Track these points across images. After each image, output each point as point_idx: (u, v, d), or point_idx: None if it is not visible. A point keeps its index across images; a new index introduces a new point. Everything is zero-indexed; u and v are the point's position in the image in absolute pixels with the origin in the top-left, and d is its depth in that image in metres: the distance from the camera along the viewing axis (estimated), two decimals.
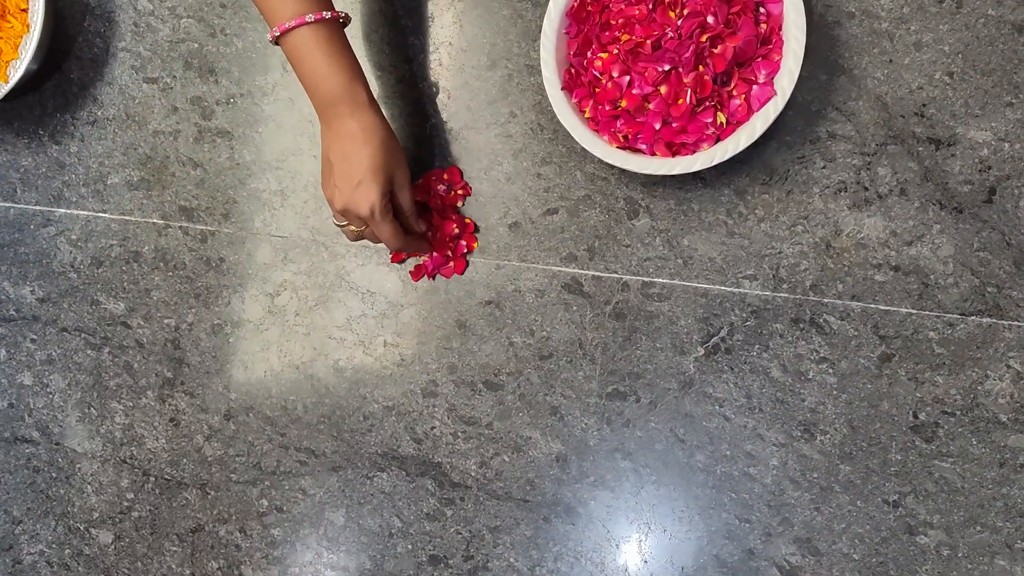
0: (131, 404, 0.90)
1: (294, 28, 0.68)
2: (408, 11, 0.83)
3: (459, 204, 0.81)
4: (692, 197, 0.77)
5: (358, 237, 0.75)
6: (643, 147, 0.72)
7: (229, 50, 0.86)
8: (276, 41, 0.70)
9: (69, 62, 0.90)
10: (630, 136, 0.72)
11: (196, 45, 0.87)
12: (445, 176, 0.82)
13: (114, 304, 0.90)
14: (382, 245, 0.83)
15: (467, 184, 0.81)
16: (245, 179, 0.87)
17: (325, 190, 0.73)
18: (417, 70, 0.82)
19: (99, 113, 0.90)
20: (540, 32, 0.80)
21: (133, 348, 0.89)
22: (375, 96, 0.82)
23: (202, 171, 0.87)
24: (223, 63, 0.87)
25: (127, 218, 0.89)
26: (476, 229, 0.81)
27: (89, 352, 0.90)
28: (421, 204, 0.82)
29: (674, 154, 0.72)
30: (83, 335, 0.90)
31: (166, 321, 0.89)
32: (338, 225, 0.75)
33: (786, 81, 0.69)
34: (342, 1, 0.84)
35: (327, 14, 0.69)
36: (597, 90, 0.73)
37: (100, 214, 0.90)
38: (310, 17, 0.68)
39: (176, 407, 0.88)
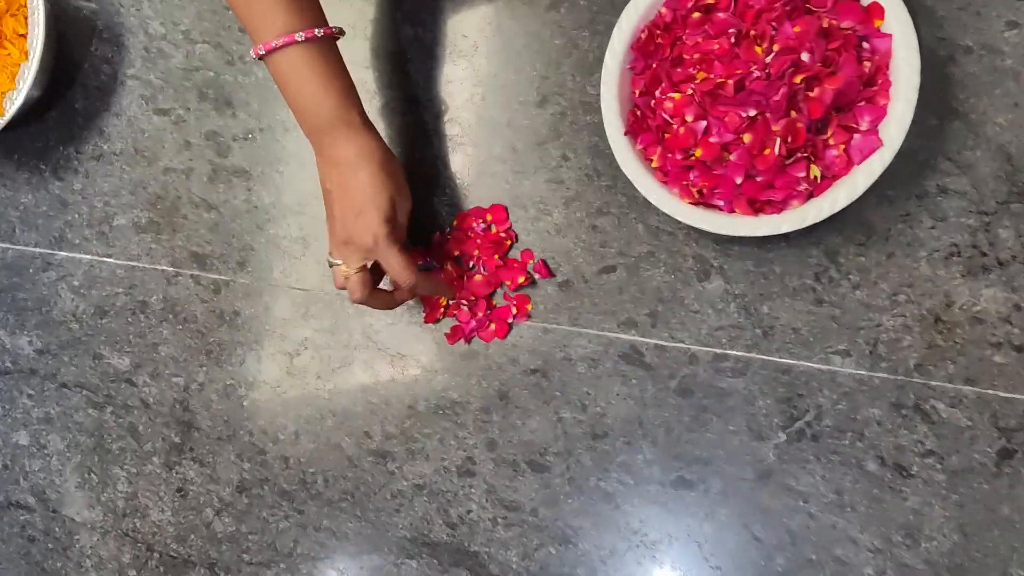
0: (135, 470, 0.82)
1: (282, 47, 0.60)
2: (445, 38, 0.74)
3: (509, 243, 0.72)
4: (774, 257, 0.67)
5: (343, 285, 0.67)
6: (720, 203, 0.63)
7: (248, 80, 0.79)
8: (261, 58, 0.62)
9: (74, 90, 0.83)
10: (705, 190, 0.63)
11: (212, 74, 0.80)
12: (488, 216, 0.73)
13: (119, 359, 0.82)
14: (379, 312, 0.75)
15: (511, 230, 0.73)
16: (264, 224, 0.79)
17: (327, 221, 0.66)
18: (455, 105, 0.74)
19: (105, 147, 0.82)
20: (598, 65, 0.71)
21: (138, 408, 0.82)
22: (388, 120, 0.74)
23: (216, 214, 0.80)
24: (241, 94, 0.79)
25: (134, 264, 0.82)
26: (532, 282, 0.72)
27: (91, 411, 0.83)
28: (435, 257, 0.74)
29: (757, 212, 0.63)
30: (84, 392, 0.83)
31: (174, 379, 0.81)
32: (332, 264, 0.67)
33: (894, 129, 0.59)
34: (366, 27, 0.76)
35: (319, 31, 0.61)
36: (667, 136, 0.63)
37: (105, 259, 0.82)
38: (300, 36, 0.60)
39: (184, 476, 0.81)
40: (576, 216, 0.71)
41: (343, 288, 0.67)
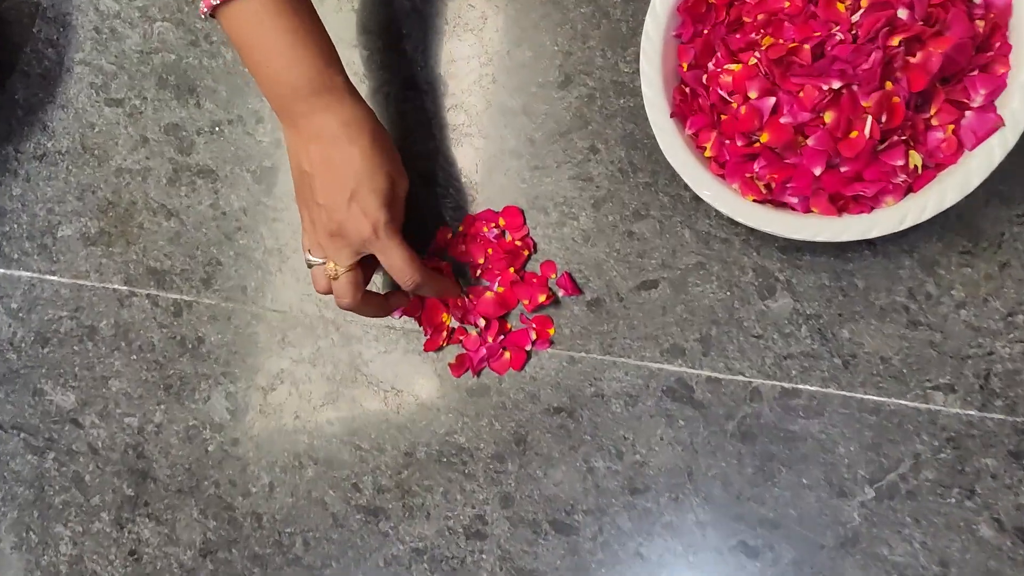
0: (81, 529, 0.69)
1: None
2: (448, 9, 0.62)
3: (526, 254, 0.60)
4: (855, 269, 0.55)
5: (328, 288, 0.56)
6: (794, 201, 0.51)
7: (215, 64, 0.67)
8: (211, 14, 0.51)
9: (13, 79, 0.71)
10: (775, 185, 0.50)
11: (173, 57, 0.68)
12: (500, 220, 0.61)
13: (62, 395, 0.70)
14: (373, 320, 0.63)
15: (529, 238, 0.60)
16: (233, 234, 0.66)
17: (303, 211, 0.55)
18: (460, 89, 0.62)
19: (49, 145, 0.70)
20: (634, 37, 0.59)
21: (85, 454, 0.69)
22: (380, 108, 0.62)
23: (178, 222, 0.68)
24: (207, 80, 0.67)
25: (81, 282, 0.69)
26: (555, 301, 0.60)
27: (29, 457, 0.71)
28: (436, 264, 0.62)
29: (841, 211, 0.50)
30: (22, 435, 0.71)
31: (127, 420, 0.69)
32: (311, 264, 0.55)
33: (1018, 104, 0.47)
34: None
35: None
36: (723, 118, 0.51)
37: (47, 276, 0.70)
38: None
39: (138, 536, 0.68)
40: (608, 220, 0.59)
41: (327, 292, 0.55)
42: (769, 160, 0.50)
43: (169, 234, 0.68)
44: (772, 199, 0.51)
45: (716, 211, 0.56)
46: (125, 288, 0.69)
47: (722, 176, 0.52)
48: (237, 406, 0.67)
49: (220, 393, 0.67)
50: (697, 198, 0.57)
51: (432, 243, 0.62)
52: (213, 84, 0.67)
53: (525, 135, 0.61)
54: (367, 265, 0.56)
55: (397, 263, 0.53)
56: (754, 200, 0.51)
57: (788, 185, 0.50)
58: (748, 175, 0.51)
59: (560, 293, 0.60)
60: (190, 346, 0.68)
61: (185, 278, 0.68)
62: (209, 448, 0.67)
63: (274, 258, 0.66)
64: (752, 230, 0.56)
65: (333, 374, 0.65)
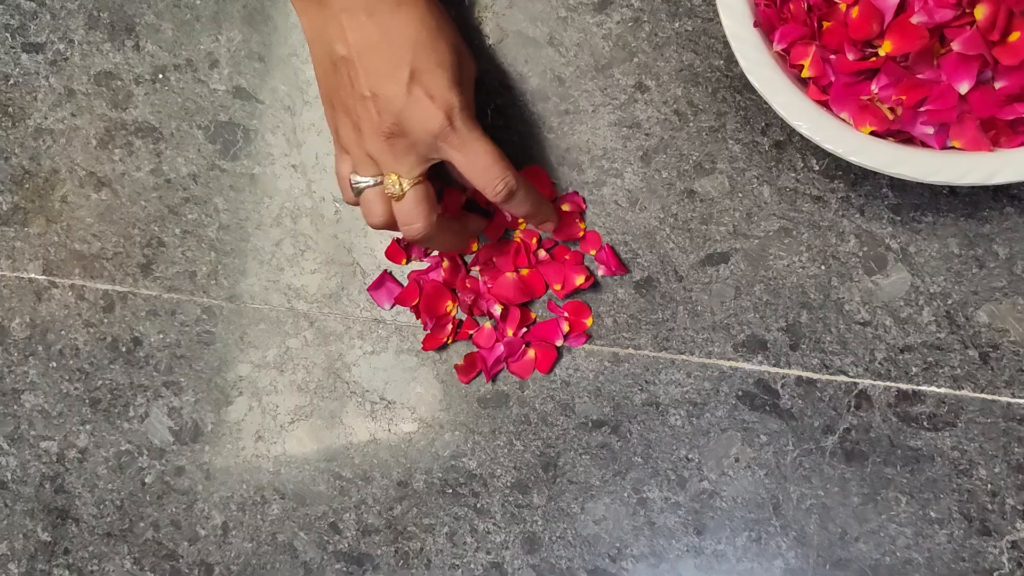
0: None
1: None
2: None
3: (582, 226, 0.48)
4: (994, 232, 0.42)
5: (389, 217, 0.43)
6: (928, 131, 0.38)
7: None
8: None
9: None
10: (901, 110, 0.38)
11: None
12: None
13: None
14: (358, 313, 0.48)
15: (577, 195, 0.47)
16: (179, 207, 0.53)
17: (340, 119, 0.43)
18: (466, 15, 0.49)
19: None
20: None
21: None
22: None
23: (110, 194, 0.54)
24: (148, 16, 0.54)
25: None
26: (595, 283, 0.47)
27: None
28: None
29: (994, 144, 0.37)
30: None
31: (44, 445, 0.55)
32: (361, 188, 0.42)
33: None
34: None
35: None
36: (826, 24, 0.39)
37: None
38: None
39: None
40: (661, 177, 0.46)
41: (387, 225, 0.43)
42: (894, 77, 0.37)
43: (99, 209, 0.55)
44: (898, 130, 0.38)
45: (804, 162, 0.44)
46: (43, 278, 0.55)
47: (825, 103, 0.39)
48: (183, 425, 0.53)
49: (161, 409, 0.53)
50: (778, 145, 0.44)
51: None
52: (156, 21, 0.54)
53: (552, 72, 0.48)
54: (434, 177, 0.43)
55: (483, 161, 0.40)
56: (873, 132, 0.38)
57: (921, 110, 0.37)
58: (864, 98, 0.38)
59: (600, 272, 0.47)
60: (124, 349, 0.54)
61: (119, 264, 0.54)
62: (146, 480, 0.53)
63: (232, 236, 0.53)
64: (854, 184, 0.44)
65: (306, 382, 0.51)
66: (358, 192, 0.42)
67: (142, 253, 0.54)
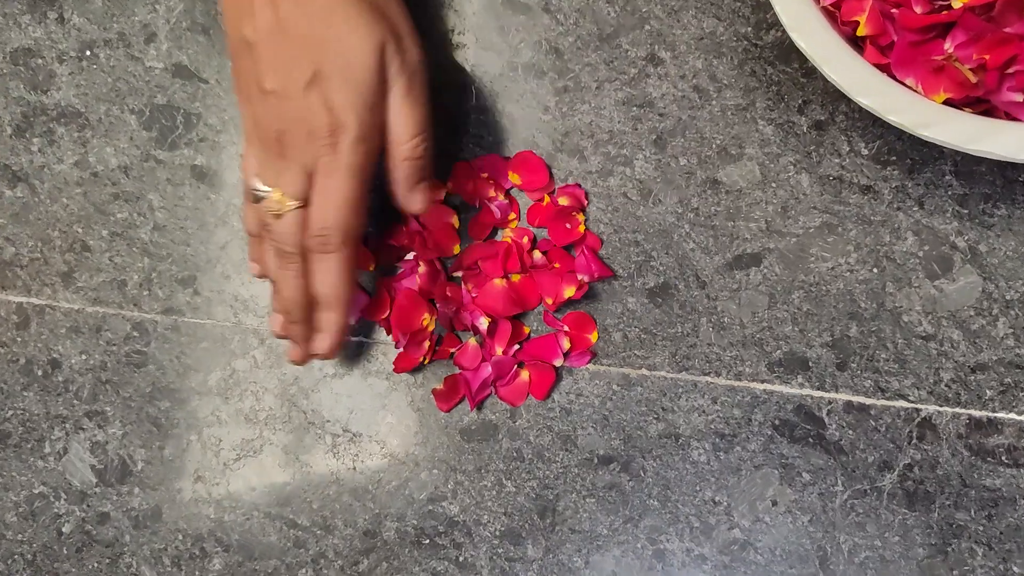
0: None
1: None
2: None
3: (581, 219, 0.40)
4: None
5: (257, 235, 0.38)
6: (1017, 98, 0.31)
7: None
8: None
9: None
10: (987, 71, 0.31)
11: None
12: (512, 174, 0.41)
13: None
14: (315, 360, 0.39)
15: (578, 187, 0.40)
16: (108, 204, 0.46)
17: (244, 110, 0.36)
18: None
19: None
20: None
21: None
22: None
23: (27, 190, 0.47)
24: None
25: None
26: (597, 293, 0.39)
27: None
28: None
29: None
30: None
31: None
32: (258, 196, 0.36)
33: None
34: None
35: None
36: None
37: None
38: None
39: None
40: (679, 165, 0.39)
41: (258, 229, 0.37)
42: (973, 32, 0.31)
43: (14, 208, 0.47)
44: (978, 98, 0.32)
45: (851, 145, 0.37)
46: None
47: (886, 68, 0.33)
48: (108, 463, 0.45)
49: (83, 444, 0.45)
50: (819, 125, 0.38)
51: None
52: None
53: (548, 42, 0.41)
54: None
55: (335, 201, 0.34)
56: (947, 101, 0.32)
57: (1009, 72, 0.30)
58: (937, 58, 0.31)
59: (585, 279, 0.39)
60: (39, 373, 0.46)
61: (35, 272, 0.46)
62: (64, 528, 0.45)
63: (169, 239, 0.45)
64: (911, 170, 0.37)
65: (255, 412, 0.43)
66: (256, 200, 0.35)
67: (63, 259, 0.46)
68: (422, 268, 0.41)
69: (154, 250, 0.45)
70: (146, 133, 0.46)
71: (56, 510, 0.45)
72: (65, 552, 0.45)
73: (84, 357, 0.46)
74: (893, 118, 0.32)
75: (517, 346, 0.40)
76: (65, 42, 0.47)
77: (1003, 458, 0.35)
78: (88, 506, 0.45)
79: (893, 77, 0.32)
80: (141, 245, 0.45)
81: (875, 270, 0.37)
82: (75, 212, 0.46)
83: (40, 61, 0.47)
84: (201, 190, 0.45)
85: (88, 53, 0.47)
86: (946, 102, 0.32)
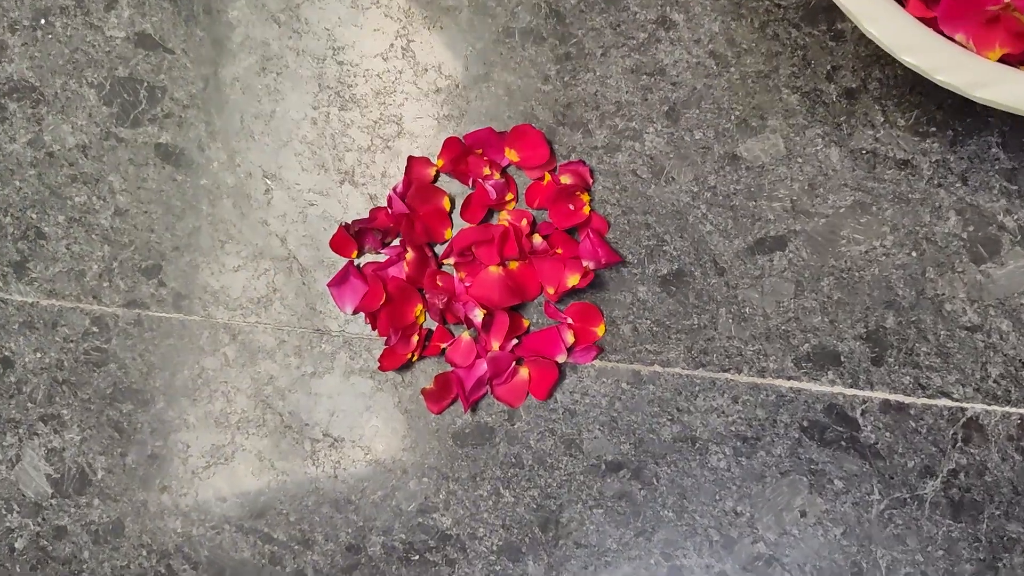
0: None
1: None
2: None
3: (586, 199, 0.37)
4: None
5: None
6: None
7: None
8: None
9: None
10: None
11: None
12: (508, 150, 0.38)
13: None
14: (288, 349, 0.35)
15: (582, 164, 0.37)
16: (64, 187, 0.42)
17: None
18: None
19: None
20: None
21: None
22: None
23: None
24: None
25: None
26: (602, 282, 0.36)
27: None
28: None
29: None
30: None
31: None
32: None
33: None
34: None
35: None
36: None
37: None
38: None
39: None
40: (694, 139, 0.35)
41: None
42: None
43: None
44: None
45: (886, 115, 0.33)
46: None
47: (932, 21, 0.29)
48: (65, 472, 0.41)
49: (37, 451, 0.41)
50: (850, 93, 0.34)
51: (399, 187, 0.38)
52: None
53: (547, 5, 0.37)
54: None
55: None
56: (1005, 58, 0.28)
57: None
58: (992, 8, 0.28)
59: (589, 265, 0.35)
60: None
61: None
62: (16, 544, 0.41)
63: (131, 224, 0.41)
64: (954, 143, 0.33)
65: (226, 414, 0.39)
66: None
67: (15, 248, 0.42)
68: (410, 255, 0.37)
69: (115, 237, 0.41)
70: (106, 109, 0.42)
71: (8, 524, 0.42)
72: (18, 570, 0.41)
73: (38, 355, 0.42)
74: (942, 78, 0.28)
75: (515, 341, 0.37)
76: (18, 10, 0.43)
77: None
78: (43, 519, 0.41)
79: (941, 33, 0.29)
80: (101, 232, 0.42)
81: (914, 254, 0.34)
82: (28, 196, 0.42)
83: None
84: (166, 171, 0.41)
85: (43, 21, 0.43)
86: (1002, 59, 0.28)
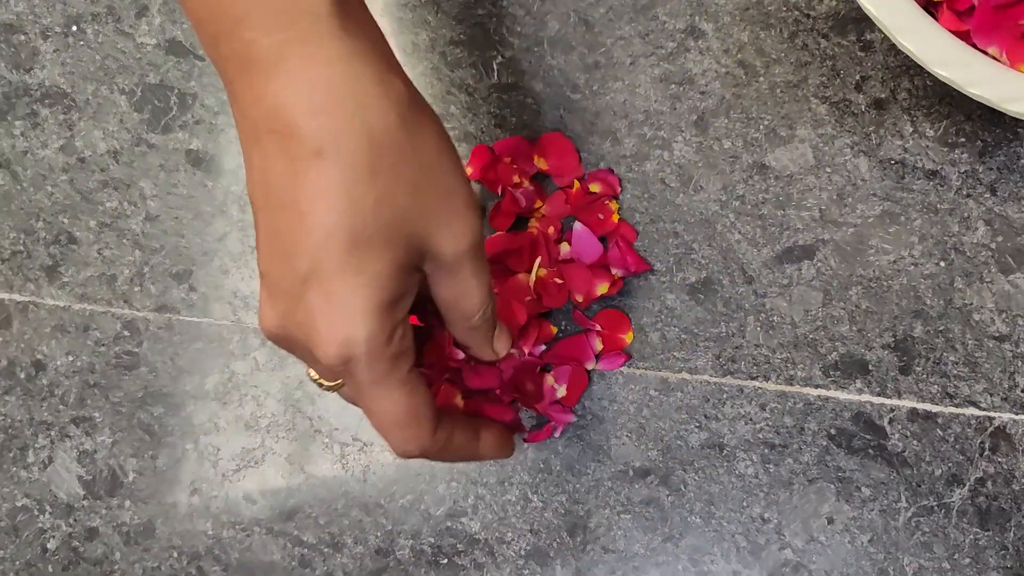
0: None
1: None
2: None
3: (614, 207, 0.37)
4: None
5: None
6: None
7: None
8: None
9: None
10: None
11: None
12: (537, 157, 0.38)
13: None
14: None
15: (611, 174, 0.37)
16: (96, 193, 0.43)
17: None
18: None
19: None
20: None
21: None
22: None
23: (7, 177, 0.45)
24: None
25: None
26: (632, 290, 0.36)
27: None
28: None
29: None
30: None
31: None
32: (321, 385, 0.30)
33: None
34: None
35: None
36: None
37: None
38: None
39: None
40: (723, 148, 0.36)
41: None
42: None
43: None
44: None
45: (914, 125, 0.34)
46: None
47: (964, 34, 0.29)
48: (96, 474, 0.42)
49: (69, 453, 0.42)
50: (879, 104, 0.34)
51: None
52: None
53: (577, 14, 0.38)
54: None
55: (390, 419, 0.28)
56: None
57: None
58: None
59: (619, 273, 0.36)
60: (22, 376, 0.43)
61: (17, 266, 0.43)
62: (49, 545, 0.42)
63: (162, 229, 0.42)
64: (983, 153, 0.34)
65: (256, 418, 0.40)
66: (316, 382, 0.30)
67: (47, 252, 0.43)
68: None
69: (146, 242, 0.42)
70: (137, 115, 0.43)
71: (40, 525, 0.42)
72: (50, 570, 0.42)
73: (70, 358, 0.42)
74: (975, 91, 0.28)
75: (544, 347, 0.37)
76: (49, 16, 0.44)
77: None
78: (75, 521, 0.42)
79: (973, 46, 0.29)
80: (132, 237, 0.42)
81: (942, 263, 0.34)
82: (60, 201, 0.43)
83: (23, 37, 0.44)
84: (197, 176, 0.42)
85: (74, 28, 0.44)
86: None
